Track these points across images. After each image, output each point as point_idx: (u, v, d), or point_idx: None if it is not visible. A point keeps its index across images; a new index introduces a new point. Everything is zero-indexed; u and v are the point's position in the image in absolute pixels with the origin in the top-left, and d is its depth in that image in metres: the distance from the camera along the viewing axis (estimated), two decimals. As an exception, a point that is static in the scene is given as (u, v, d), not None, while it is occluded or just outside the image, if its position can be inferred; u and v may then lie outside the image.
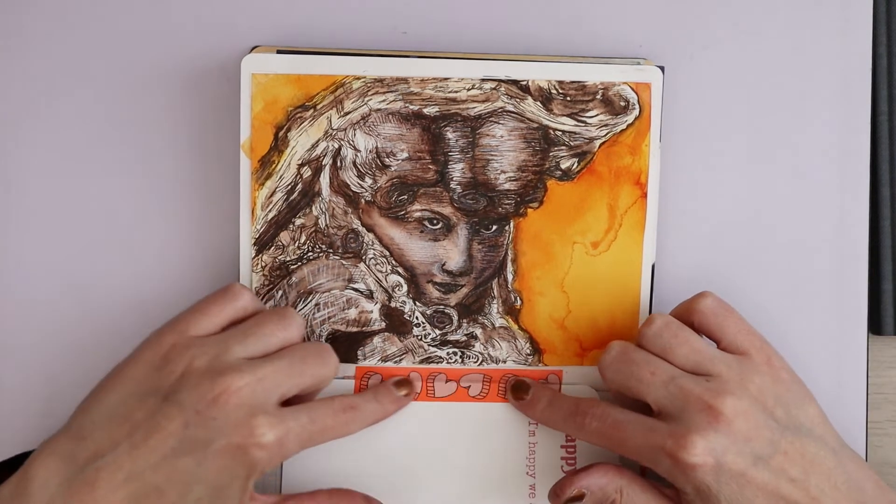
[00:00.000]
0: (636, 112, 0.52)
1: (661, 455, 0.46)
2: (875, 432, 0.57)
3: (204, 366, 0.46)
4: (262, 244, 0.52)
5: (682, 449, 0.45)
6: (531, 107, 0.52)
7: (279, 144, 0.52)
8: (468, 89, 0.52)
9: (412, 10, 0.54)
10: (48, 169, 0.54)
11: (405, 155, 0.52)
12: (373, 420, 0.51)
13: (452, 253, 0.53)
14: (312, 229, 0.53)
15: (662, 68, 0.52)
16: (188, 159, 0.54)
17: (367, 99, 0.52)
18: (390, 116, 0.52)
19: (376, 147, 0.52)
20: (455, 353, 0.54)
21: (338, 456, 0.53)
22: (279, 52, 0.52)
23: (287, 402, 0.48)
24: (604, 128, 0.52)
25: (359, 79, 0.52)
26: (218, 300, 0.49)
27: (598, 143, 0.53)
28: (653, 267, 0.53)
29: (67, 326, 0.54)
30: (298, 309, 0.53)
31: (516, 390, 0.53)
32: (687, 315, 0.50)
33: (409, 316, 0.53)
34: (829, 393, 0.54)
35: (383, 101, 0.52)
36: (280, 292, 0.53)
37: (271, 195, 0.52)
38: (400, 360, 0.54)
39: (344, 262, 0.53)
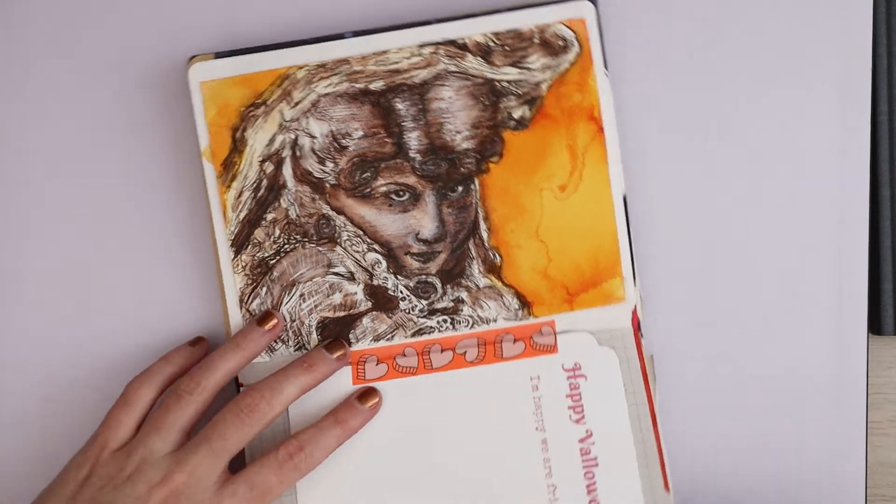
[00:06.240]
0: (576, 49, 0.52)
1: None
2: (875, 432, 0.57)
3: (134, 474, 0.48)
4: (238, 244, 0.53)
5: None
6: (472, 63, 0.53)
7: (238, 145, 0.53)
8: (408, 58, 0.53)
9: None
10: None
11: (360, 133, 0.53)
12: (336, 444, 0.52)
13: (424, 221, 0.53)
14: (284, 222, 0.53)
15: (594, 0, 0.52)
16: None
17: (313, 86, 0.53)
18: (339, 98, 0.53)
19: (331, 131, 0.53)
20: (445, 321, 0.54)
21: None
22: (217, 55, 0.53)
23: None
24: (547, 70, 0.52)
25: (302, 68, 0.53)
26: (122, 407, 0.51)
27: (544, 86, 0.53)
28: (625, 198, 0.53)
29: (60, 329, 0.55)
30: (284, 303, 0.54)
31: None
32: None
33: (394, 291, 0.54)
34: (828, 393, 0.54)
35: (329, 84, 0.53)
36: (264, 289, 0.53)
37: (239, 195, 0.53)
38: (392, 336, 0.54)
39: (320, 249, 0.54)
